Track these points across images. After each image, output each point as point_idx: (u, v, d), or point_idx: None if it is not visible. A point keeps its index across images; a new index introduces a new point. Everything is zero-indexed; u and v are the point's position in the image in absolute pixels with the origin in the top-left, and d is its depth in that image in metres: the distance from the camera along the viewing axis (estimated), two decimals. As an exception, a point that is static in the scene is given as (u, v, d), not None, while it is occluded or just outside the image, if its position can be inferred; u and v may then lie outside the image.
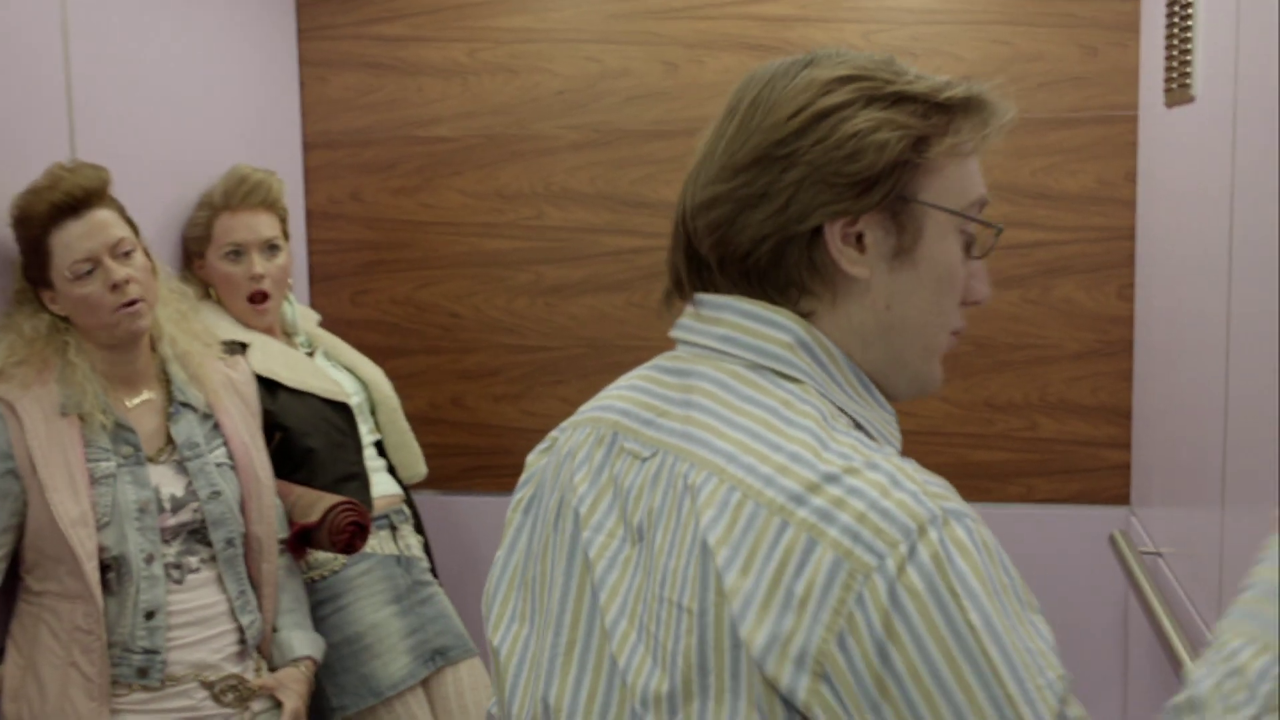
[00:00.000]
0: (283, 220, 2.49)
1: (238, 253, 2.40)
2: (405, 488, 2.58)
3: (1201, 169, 2.03)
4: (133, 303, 1.92)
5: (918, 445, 2.73)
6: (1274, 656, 0.88)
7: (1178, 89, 2.18)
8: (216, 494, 1.99)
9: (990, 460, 2.78)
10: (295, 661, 2.11)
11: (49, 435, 1.86)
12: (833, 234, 0.96)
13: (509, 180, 2.91)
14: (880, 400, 1.01)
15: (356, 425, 2.44)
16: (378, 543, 2.41)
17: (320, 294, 3.01)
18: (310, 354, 2.53)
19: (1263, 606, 0.91)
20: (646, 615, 0.92)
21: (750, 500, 0.88)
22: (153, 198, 2.33)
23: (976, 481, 2.78)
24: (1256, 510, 1.66)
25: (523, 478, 1.12)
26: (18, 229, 1.92)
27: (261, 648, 2.08)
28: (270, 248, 2.43)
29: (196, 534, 1.98)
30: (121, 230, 1.94)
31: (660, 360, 1.06)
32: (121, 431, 1.93)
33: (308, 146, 2.98)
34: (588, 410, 1.09)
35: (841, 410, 0.97)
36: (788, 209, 0.95)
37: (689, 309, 1.04)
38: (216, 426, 2.07)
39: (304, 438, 2.31)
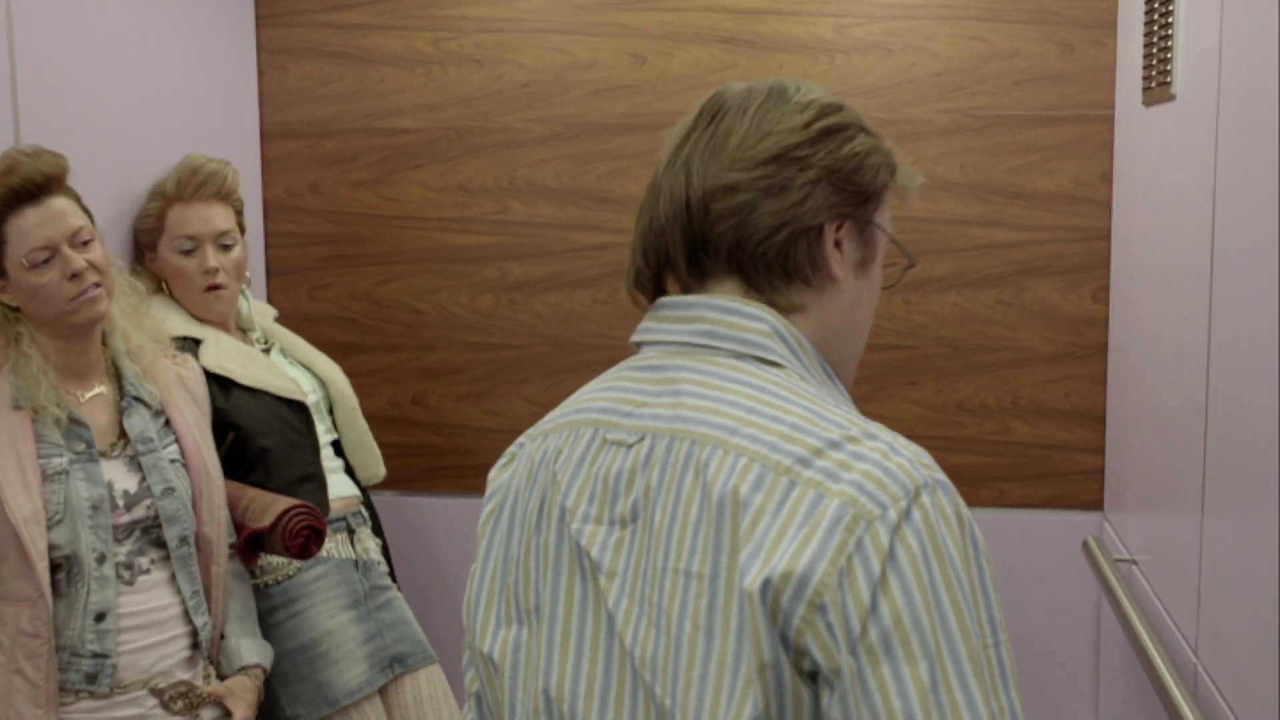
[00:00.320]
0: (238, 212, 2.44)
1: (191, 246, 2.35)
2: (364, 489, 2.54)
3: (1182, 169, 2.00)
4: (91, 288, 1.88)
5: (889, 448, 2.68)
6: None
7: (1157, 87, 2.15)
8: (170, 490, 1.95)
9: (962, 464, 2.75)
10: (244, 670, 2.06)
11: (0, 429, 1.80)
12: (829, 234, 1.07)
13: (473, 174, 2.86)
14: (844, 392, 1.11)
15: (313, 425, 2.39)
16: (334, 546, 2.37)
17: (278, 289, 2.96)
18: (266, 350, 2.49)
19: None
20: (648, 589, 0.98)
21: (757, 464, 0.95)
22: (102, 187, 2.27)
23: (948, 485, 2.75)
24: (1237, 518, 1.64)
25: (488, 493, 1.17)
26: None
27: (210, 654, 2.04)
28: (224, 240, 2.38)
29: (149, 533, 1.93)
30: (80, 219, 1.90)
31: (630, 362, 1.12)
32: (75, 427, 1.89)
33: (266, 137, 2.93)
34: (559, 417, 1.13)
35: None
36: (804, 204, 1.06)
37: (649, 314, 1.12)
38: (168, 423, 2.03)
39: (258, 437, 2.26)
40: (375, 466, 2.56)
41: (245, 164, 2.82)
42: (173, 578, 1.95)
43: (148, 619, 1.91)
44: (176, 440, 2.02)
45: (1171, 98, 2.08)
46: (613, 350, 2.81)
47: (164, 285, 2.39)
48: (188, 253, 2.34)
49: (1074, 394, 2.72)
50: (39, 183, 1.85)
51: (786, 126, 1.06)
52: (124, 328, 2.02)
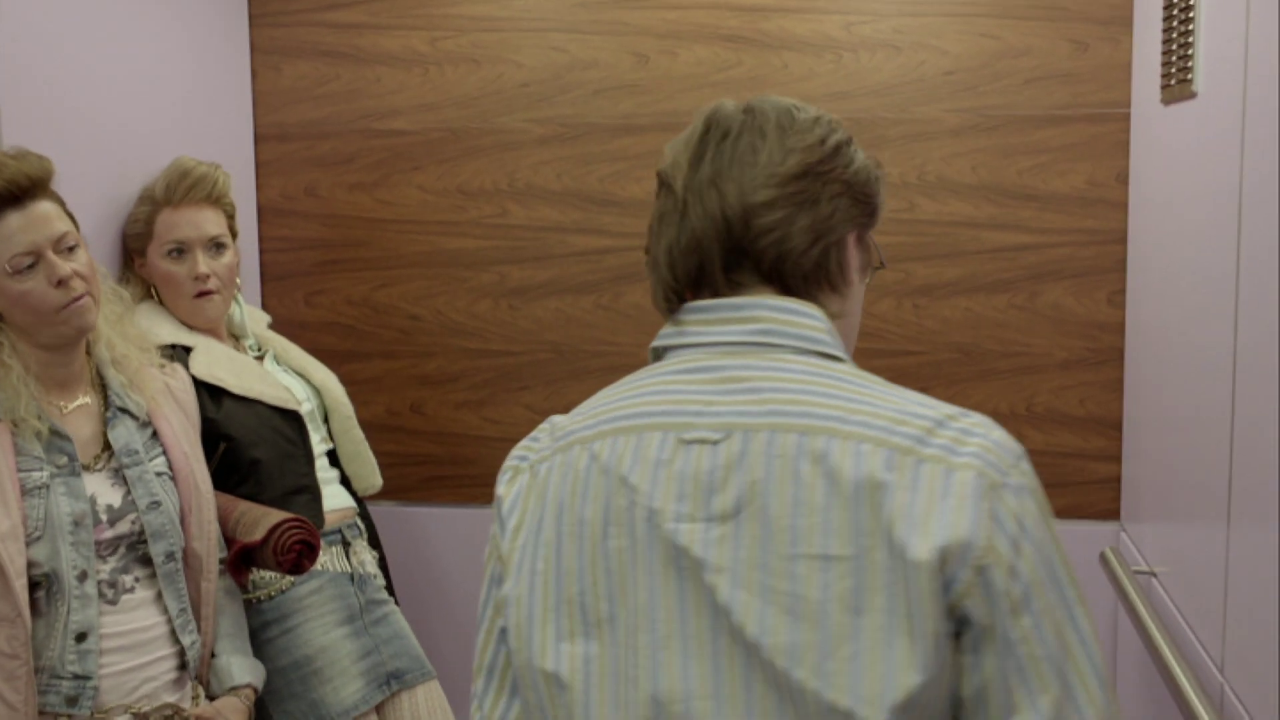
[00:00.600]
0: (229, 216, 2.39)
1: (180, 251, 2.30)
2: (359, 500, 2.49)
3: (1204, 169, 1.94)
4: (80, 297, 1.83)
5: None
6: None
7: (1176, 85, 2.09)
8: (156, 504, 1.89)
9: (974, 472, 2.69)
10: (235, 690, 2.01)
11: None
12: (850, 243, 1.16)
13: (471, 176, 2.81)
14: None
15: (308, 434, 2.34)
16: (329, 559, 2.33)
17: (272, 294, 2.90)
18: (259, 358, 2.45)
19: None
20: (771, 579, 1.00)
21: (882, 449, 1.00)
22: (91, 191, 2.23)
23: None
24: (1267, 528, 1.58)
25: (505, 509, 1.16)
26: None
27: (200, 674, 1.98)
28: (215, 245, 2.33)
29: (134, 549, 1.88)
30: (65, 224, 1.85)
31: (666, 367, 1.13)
32: (56, 439, 1.83)
33: (259, 139, 2.87)
34: (598, 424, 1.12)
35: None
36: (832, 216, 1.13)
37: (681, 317, 1.15)
38: (155, 435, 1.97)
39: (251, 448, 2.21)
40: (371, 476, 2.52)
41: (239, 166, 2.77)
42: (159, 596, 1.90)
43: (132, 639, 1.85)
44: (164, 452, 1.96)
45: (1192, 95, 2.02)
46: (615, 357, 2.75)
47: (153, 291, 2.34)
48: (177, 258, 2.30)
49: (1089, 401, 2.65)
50: (23, 185, 1.80)
51: (806, 144, 1.13)
52: (109, 336, 1.96)
